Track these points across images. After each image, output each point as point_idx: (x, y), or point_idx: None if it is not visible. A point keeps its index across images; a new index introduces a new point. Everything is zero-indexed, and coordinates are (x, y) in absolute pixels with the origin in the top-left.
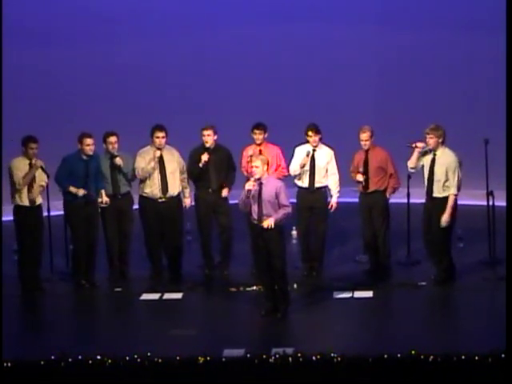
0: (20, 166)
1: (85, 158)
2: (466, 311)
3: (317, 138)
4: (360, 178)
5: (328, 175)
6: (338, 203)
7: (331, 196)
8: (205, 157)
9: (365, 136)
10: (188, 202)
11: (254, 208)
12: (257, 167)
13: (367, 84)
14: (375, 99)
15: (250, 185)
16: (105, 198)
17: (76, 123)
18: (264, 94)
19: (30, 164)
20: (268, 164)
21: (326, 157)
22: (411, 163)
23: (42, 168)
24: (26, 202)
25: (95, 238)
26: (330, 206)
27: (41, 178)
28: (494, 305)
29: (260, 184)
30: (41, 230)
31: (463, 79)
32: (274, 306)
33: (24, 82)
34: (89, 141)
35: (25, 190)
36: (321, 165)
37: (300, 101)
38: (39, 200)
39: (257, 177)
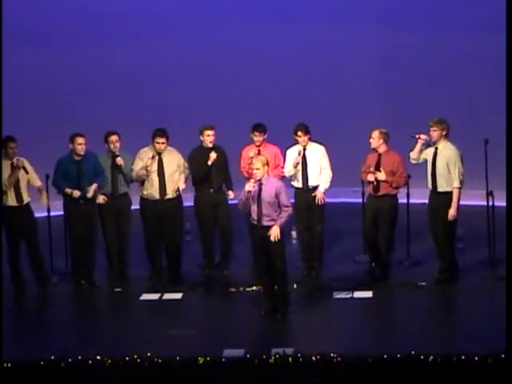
0: (3, 167)
1: (77, 158)
2: (465, 311)
3: (306, 138)
4: (371, 177)
5: (321, 171)
6: (324, 195)
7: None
8: (214, 155)
9: (372, 134)
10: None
11: (254, 208)
12: (257, 169)
13: (367, 84)
14: (375, 99)
15: (249, 186)
16: (101, 197)
17: (76, 123)
18: (264, 95)
19: (12, 164)
20: (268, 164)
21: (317, 154)
22: (413, 154)
23: (23, 168)
24: (14, 203)
25: (93, 237)
26: (314, 194)
27: (25, 177)
28: (494, 305)
29: (260, 185)
30: (32, 229)
31: (463, 79)
32: (274, 306)
33: (23, 82)
34: (80, 140)
35: (11, 191)
36: (313, 163)
37: (300, 101)
38: (27, 199)
39: (257, 178)
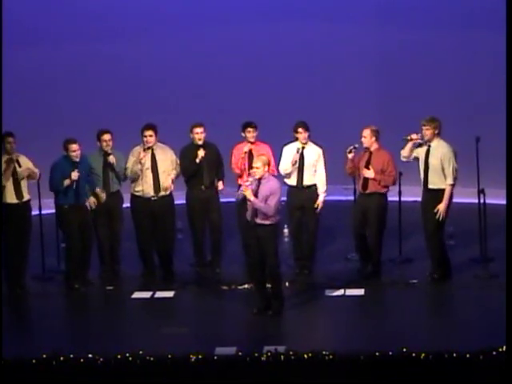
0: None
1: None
2: (457, 309)
3: (306, 135)
4: (371, 174)
5: (316, 174)
6: (324, 202)
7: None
8: (201, 152)
9: (364, 132)
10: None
11: (249, 206)
12: (257, 168)
13: (362, 82)
14: (369, 97)
15: (244, 184)
16: (92, 200)
17: (72, 123)
18: (259, 93)
19: (8, 159)
20: (269, 164)
21: (314, 155)
22: (404, 152)
23: (17, 162)
24: (13, 200)
25: (90, 242)
26: (315, 205)
27: (21, 171)
28: (486, 303)
29: (259, 184)
30: (27, 227)
31: (457, 77)
32: (265, 304)
33: (18, 81)
34: (73, 147)
35: (11, 188)
36: (309, 162)
37: (294, 99)
38: (26, 196)
39: (256, 177)
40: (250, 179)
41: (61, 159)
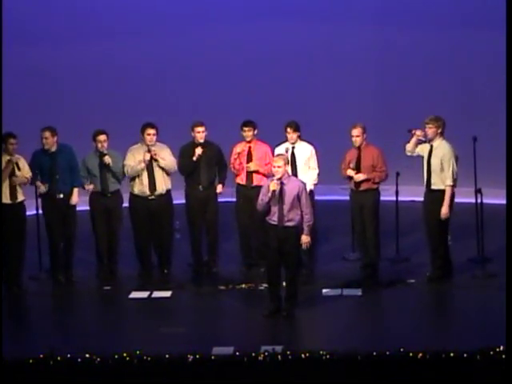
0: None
1: (49, 151)
2: (454, 309)
3: (294, 136)
4: (351, 172)
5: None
6: (312, 193)
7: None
8: (199, 150)
9: (355, 132)
10: None
11: (274, 209)
12: (279, 167)
13: (359, 82)
14: (366, 97)
15: (273, 185)
16: (74, 198)
17: (71, 122)
18: (259, 93)
19: (8, 160)
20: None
21: (306, 152)
22: (409, 146)
23: (16, 164)
24: (7, 200)
25: (71, 235)
26: None
27: (21, 173)
28: (483, 302)
29: (281, 184)
30: (23, 227)
31: (457, 77)
32: (277, 307)
33: (18, 81)
34: (45, 134)
35: (5, 187)
36: (301, 161)
37: (291, 99)
38: (21, 197)
39: (278, 176)
40: (274, 181)
41: (40, 148)
